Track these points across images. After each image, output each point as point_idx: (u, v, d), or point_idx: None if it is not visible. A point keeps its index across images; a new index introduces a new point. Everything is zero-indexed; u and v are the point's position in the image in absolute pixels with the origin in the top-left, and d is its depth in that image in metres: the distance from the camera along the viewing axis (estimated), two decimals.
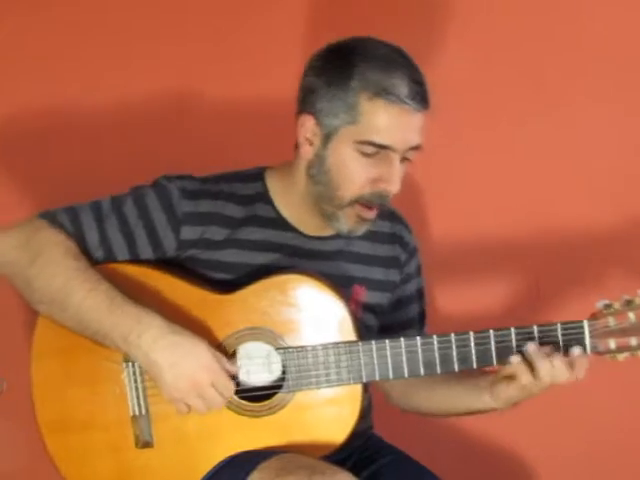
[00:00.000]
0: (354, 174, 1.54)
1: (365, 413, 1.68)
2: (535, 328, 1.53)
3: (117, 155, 1.99)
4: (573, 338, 1.52)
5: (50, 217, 1.56)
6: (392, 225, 1.74)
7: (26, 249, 1.52)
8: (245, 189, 1.63)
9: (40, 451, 1.55)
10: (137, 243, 1.57)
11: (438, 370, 1.54)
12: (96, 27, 1.97)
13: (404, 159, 1.56)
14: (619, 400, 2.07)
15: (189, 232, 1.58)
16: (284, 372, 1.55)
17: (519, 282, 2.05)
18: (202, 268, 1.60)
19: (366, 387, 1.68)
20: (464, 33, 2.01)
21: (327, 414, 1.56)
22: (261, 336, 1.55)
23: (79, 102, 1.97)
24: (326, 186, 1.56)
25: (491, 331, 1.53)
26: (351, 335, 1.56)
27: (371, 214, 1.58)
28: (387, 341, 1.54)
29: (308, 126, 1.56)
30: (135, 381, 1.54)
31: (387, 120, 1.50)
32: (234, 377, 1.52)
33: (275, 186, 1.64)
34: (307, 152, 1.57)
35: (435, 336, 1.54)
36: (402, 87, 1.50)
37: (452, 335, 1.54)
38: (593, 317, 1.53)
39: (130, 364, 1.54)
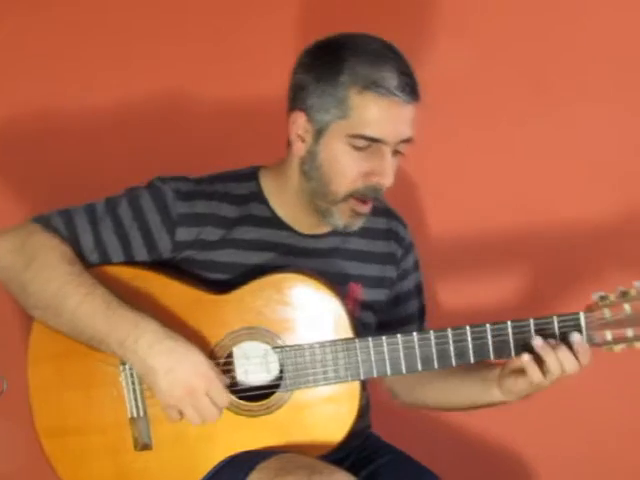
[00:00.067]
0: (346, 168, 1.54)
1: (363, 412, 1.68)
2: (531, 321, 1.53)
3: (114, 155, 1.99)
4: (569, 330, 1.52)
5: (44, 221, 1.56)
6: (387, 221, 1.74)
7: (20, 254, 1.52)
8: (239, 189, 1.63)
9: (40, 451, 1.55)
10: (132, 245, 1.57)
11: (436, 365, 1.54)
12: (94, 27, 1.98)
13: (396, 152, 1.56)
14: (619, 399, 2.07)
15: (184, 233, 1.58)
16: (282, 371, 1.55)
17: (517, 277, 2.05)
18: (198, 269, 1.59)
19: (364, 386, 1.68)
20: (461, 30, 2.01)
21: (325, 412, 1.56)
22: (258, 335, 1.55)
23: (76, 102, 1.97)
24: (319, 182, 1.57)
25: (488, 325, 1.53)
26: (348, 332, 1.56)
27: (365, 208, 1.59)
28: (384, 337, 1.54)
29: (299, 123, 1.56)
30: (132, 383, 1.54)
31: (378, 113, 1.51)
32: (232, 384, 1.53)
33: (269, 185, 1.65)
34: (299, 149, 1.58)
35: (432, 331, 1.54)
36: (391, 79, 1.50)
37: (449, 330, 1.54)
38: (589, 309, 1.53)
39: (127, 366, 1.53)
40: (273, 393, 1.55)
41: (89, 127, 1.98)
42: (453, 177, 2.04)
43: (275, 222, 1.63)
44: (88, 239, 1.55)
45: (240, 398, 1.54)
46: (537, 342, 1.50)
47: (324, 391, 1.55)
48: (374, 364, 1.54)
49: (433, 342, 1.53)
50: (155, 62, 1.98)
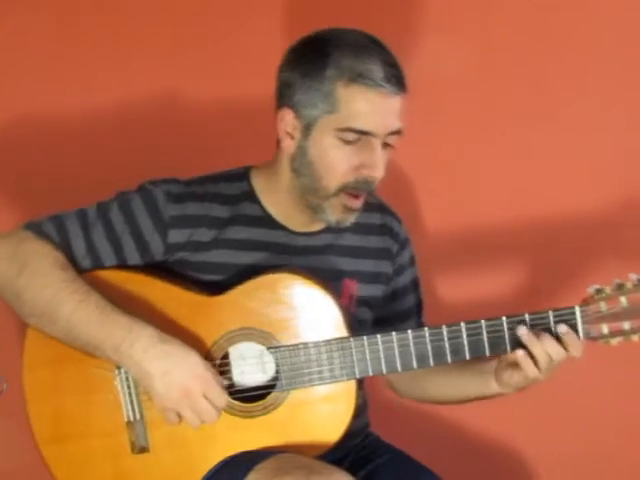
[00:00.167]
0: (337, 162, 1.53)
1: (360, 411, 1.68)
2: (527, 316, 1.52)
3: (111, 156, 1.99)
4: (566, 324, 1.51)
5: (36, 227, 1.56)
6: (382, 216, 1.73)
7: (13, 261, 1.52)
8: (231, 189, 1.63)
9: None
10: (124, 249, 1.57)
11: (431, 363, 1.53)
12: (92, 28, 1.98)
13: (386, 145, 1.55)
14: (618, 398, 2.06)
15: (176, 235, 1.57)
16: (277, 371, 1.55)
17: (515, 270, 2.04)
18: (191, 270, 1.59)
19: (361, 384, 1.67)
20: (457, 27, 2.01)
21: (322, 411, 1.55)
22: (253, 336, 1.55)
23: (75, 103, 1.97)
24: (310, 177, 1.56)
25: (482, 321, 1.52)
26: (343, 331, 1.55)
27: (357, 203, 1.58)
28: (379, 336, 1.54)
29: (288, 120, 1.56)
30: (128, 387, 1.54)
31: (365, 105, 1.50)
32: (229, 385, 1.53)
33: (260, 184, 1.64)
34: (289, 146, 1.57)
35: (427, 329, 1.54)
36: (377, 71, 1.50)
37: (444, 327, 1.53)
38: (584, 303, 1.52)
39: (122, 370, 1.53)
40: (269, 393, 1.55)
41: (87, 127, 1.98)
42: (449, 172, 2.03)
43: (267, 221, 1.63)
44: (80, 244, 1.55)
45: (237, 399, 1.54)
46: (522, 331, 1.50)
47: (320, 390, 1.55)
48: (369, 363, 1.54)
49: (428, 339, 1.53)
50: (152, 63, 1.98)
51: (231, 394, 1.54)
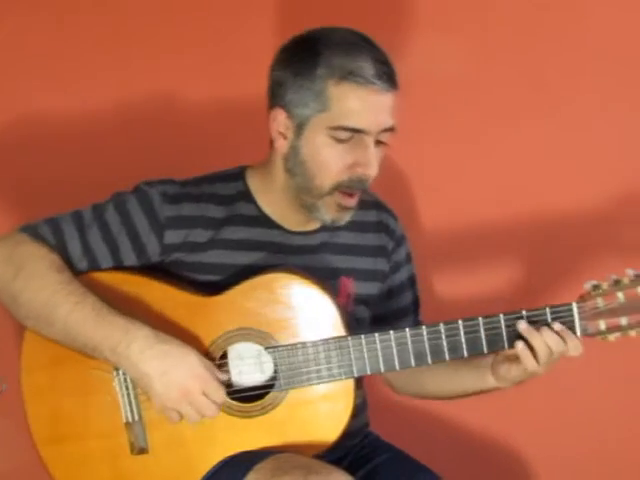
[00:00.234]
0: (330, 161, 1.53)
1: (359, 411, 1.68)
2: (524, 313, 1.52)
3: (106, 157, 1.98)
4: (563, 321, 1.51)
5: (31, 230, 1.55)
6: (378, 214, 1.73)
7: (9, 264, 1.52)
8: (226, 189, 1.63)
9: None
10: (120, 250, 1.56)
11: (429, 361, 1.53)
12: (90, 29, 1.97)
13: (379, 142, 1.55)
14: (619, 398, 2.07)
15: (172, 236, 1.57)
16: (276, 371, 1.55)
17: (513, 267, 2.04)
18: (187, 271, 1.59)
19: (359, 384, 1.68)
20: (454, 26, 2.01)
21: (320, 410, 1.55)
22: (250, 336, 1.55)
23: (73, 103, 1.97)
24: (304, 177, 1.56)
25: (480, 319, 1.53)
26: (340, 330, 1.55)
27: (351, 202, 1.58)
28: (376, 334, 1.54)
29: (280, 120, 1.56)
30: (127, 388, 1.54)
31: (356, 103, 1.50)
32: (227, 385, 1.52)
33: (256, 184, 1.64)
34: (282, 146, 1.57)
35: (424, 327, 1.54)
36: (367, 68, 1.49)
37: (441, 325, 1.53)
38: (581, 299, 1.52)
39: (120, 372, 1.53)
40: (268, 393, 1.55)
41: (83, 128, 1.98)
42: (446, 169, 2.03)
43: (263, 221, 1.62)
44: (76, 246, 1.55)
45: (235, 399, 1.54)
46: (522, 326, 1.50)
47: (318, 389, 1.55)
48: (367, 361, 1.54)
49: (426, 337, 1.53)
50: (148, 63, 1.98)
51: (229, 394, 1.54)
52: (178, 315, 1.54)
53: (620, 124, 2.01)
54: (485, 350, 1.53)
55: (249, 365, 1.56)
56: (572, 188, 2.01)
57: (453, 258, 2.04)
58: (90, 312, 1.48)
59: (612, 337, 1.52)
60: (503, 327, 1.52)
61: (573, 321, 1.51)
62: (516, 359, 1.52)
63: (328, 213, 1.57)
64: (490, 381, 1.59)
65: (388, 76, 1.51)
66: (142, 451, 1.55)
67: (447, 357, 1.53)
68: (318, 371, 1.54)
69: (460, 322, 1.53)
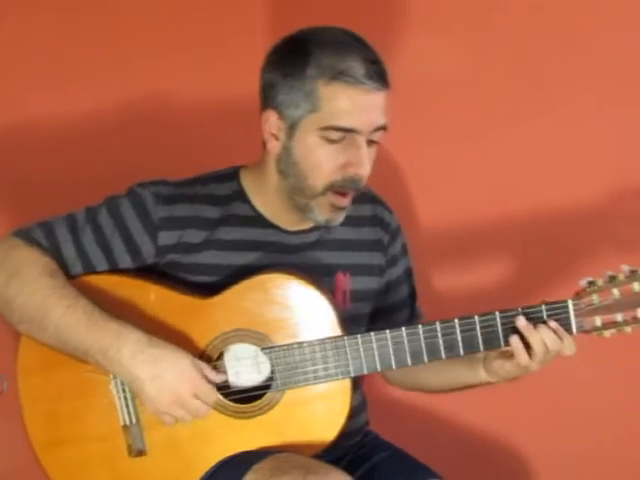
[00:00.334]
0: (322, 162, 1.53)
1: (358, 411, 1.68)
2: (520, 310, 1.52)
3: (102, 158, 1.98)
4: (558, 318, 1.51)
5: (25, 234, 1.55)
6: (372, 207, 1.72)
7: (2, 269, 1.51)
8: (220, 189, 1.62)
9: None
10: (114, 253, 1.56)
11: (425, 359, 1.53)
12: (87, 30, 1.97)
13: (371, 142, 1.54)
14: (619, 397, 2.07)
15: (166, 237, 1.57)
16: (272, 371, 1.54)
17: (508, 265, 2.04)
18: (183, 272, 1.59)
19: (358, 385, 1.68)
20: (450, 25, 2.01)
21: (317, 410, 1.56)
22: (247, 337, 1.55)
23: (72, 104, 1.97)
24: (296, 178, 1.55)
25: (476, 317, 1.53)
26: (336, 329, 1.55)
27: (345, 201, 1.57)
28: (372, 334, 1.54)
29: (272, 121, 1.55)
30: (123, 390, 1.54)
31: (347, 102, 1.49)
32: (223, 385, 1.52)
33: (250, 184, 1.63)
34: (274, 147, 1.56)
35: (420, 326, 1.54)
36: (358, 68, 1.49)
37: (437, 323, 1.53)
38: (577, 296, 1.52)
39: None
40: (265, 394, 1.55)
41: (81, 128, 1.97)
42: (444, 167, 2.03)
43: (259, 220, 1.62)
44: (70, 249, 1.55)
45: (232, 400, 1.54)
46: (520, 322, 1.50)
47: (315, 389, 1.55)
48: (364, 361, 1.54)
49: (422, 336, 1.53)
50: (143, 64, 1.97)
51: (226, 395, 1.54)
52: (174, 317, 1.54)
53: (614, 121, 2.01)
54: (481, 348, 1.53)
55: (246, 366, 1.56)
56: (568, 185, 2.01)
57: (451, 255, 2.04)
58: (82, 316, 1.47)
59: (608, 333, 1.52)
60: (499, 325, 1.52)
61: (569, 318, 1.51)
62: (510, 355, 1.52)
63: (322, 214, 1.57)
64: (482, 375, 1.60)
65: (379, 75, 1.50)
66: (140, 453, 1.55)
67: (443, 356, 1.53)
68: (315, 371, 1.54)
69: (456, 320, 1.53)
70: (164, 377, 1.46)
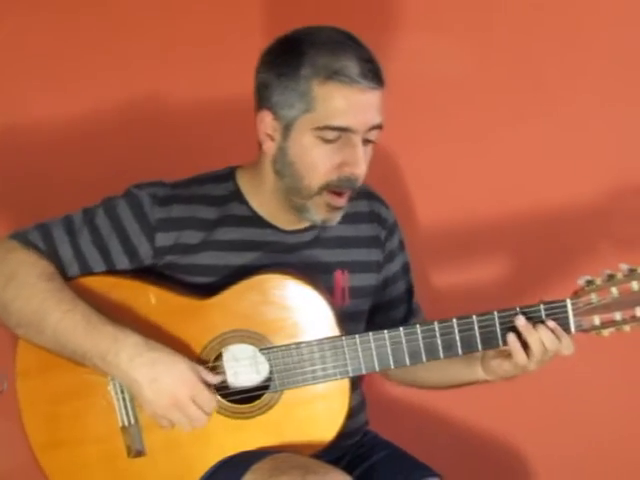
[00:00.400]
0: (317, 162, 1.52)
1: (357, 411, 1.68)
2: (518, 310, 1.52)
3: (101, 158, 1.98)
4: (557, 317, 1.51)
5: (21, 237, 1.55)
6: (369, 203, 1.72)
7: None
8: (217, 190, 1.62)
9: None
10: (112, 254, 1.56)
11: (424, 359, 1.53)
12: (85, 30, 1.97)
13: (367, 141, 1.54)
14: (618, 396, 2.07)
15: (164, 238, 1.56)
16: (271, 372, 1.54)
17: (506, 264, 2.04)
18: (181, 273, 1.58)
19: (357, 384, 1.68)
20: (447, 24, 2.01)
21: (316, 410, 1.55)
22: (244, 338, 1.54)
23: (71, 104, 1.97)
24: (292, 178, 1.55)
25: (474, 316, 1.52)
26: (334, 329, 1.55)
27: (341, 201, 1.56)
28: (370, 334, 1.53)
29: (267, 122, 1.54)
30: (122, 392, 1.54)
31: (342, 102, 1.49)
32: (221, 386, 1.52)
33: (247, 185, 1.63)
34: (269, 148, 1.56)
35: (418, 325, 1.53)
36: (352, 67, 1.48)
37: (435, 323, 1.53)
38: (575, 295, 1.52)
39: None
40: (264, 394, 1.55)
41: (78, 129, 1.97)
42: (442, 166, 2.02)
43: (256, 220, 1.62)
44: (67, 251, 1.55)
45: (231, 401, 1.54)
46: (520, 321, 1.50)
47: (314, 389, 1.55)
48: (362, 361, 1.53)
49: (420, 336, 1.53)
50: (141, 65, 1.98)
51: (225, 396, 1.54)
52: (172, 318, 1.54)
53: (614, 121, 2.00)
54: (480, 348, 1.53)
55: (244, 366, 1.56)
56: (566, 184, 2.01)
57: (450, 254, 2.04)
58: (80, 320, 1.47)
59: (606, 332, 1.52)
60: (497, 325, 1.52)
61: (567, 317, 1.51)
62: (508, 355, 1.52)
63: (318, 214, 1.57)
64: (479, 373, 1.60)
65: (373, 74, 1.50)
66: (139, 454, 1.55)
67: (442, 355, 1.53)
68: (313, 371, 1.54)
69: (454, 320, 1.52)
70: (162, 380, 1.46)
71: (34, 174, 1.96)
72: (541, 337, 1.49)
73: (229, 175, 1.64)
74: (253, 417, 1.54)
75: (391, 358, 1.53)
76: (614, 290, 1.50)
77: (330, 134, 1.50)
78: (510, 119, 2.01)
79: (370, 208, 1.72)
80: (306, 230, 1.64)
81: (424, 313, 1.79)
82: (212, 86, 1.97)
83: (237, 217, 1.61)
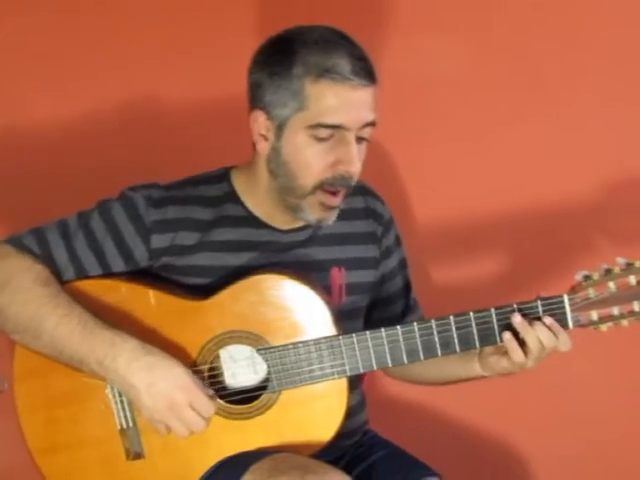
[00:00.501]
0: (311, 161, 1.52)
1: (356, 411, 1.68)
2: (515, 306, 1.51)
3: (99, 158, 1.97)
4: (554, 313, 1.51)
5: (16, 241, 1.54)
6: (364, 199, 1.72)
7: None
8: (212, 190, 1.61)
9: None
10: (107, 257, 1.56)
11: (422, 357, 1.53)
12: (86, 30, 1.97)
13: (360, 139, 1.53)
14: (618, 396, 2.07)
15: (159, 240, 1.56)
16: (269, 372, 1.54)
17: (504, 259, 2.04)
18: (177, 275, 1.58)
19: (355, 384, 1.68)
20: (445, 24, 2.01)
21: (315, 410, 1.55)
22: (242, 339, 1.54)
23: (70, 104, 1.97)
24: (286, 177, 1.54)
25: (471, 313, 1.52)
26: (331, 328, 1.54)
27: (335, 200, 1.56)
28: (368, 332, 1.53)
29: (260, 122, 1.54)
30: (119, 394, 1.54)
31: (334, 99, 1.48)
32: (220, 387, 1.52)
33: (241, 185, 1.62)
34: (263, 148, 1.56)
35: (416, 323, 1.53)
36: (344, 65, 1.48)
37: (432, 321, 1.52)
38: (572, 290, 1.51)
39: None
40: (262, 394, 1.54)
41: (75, 129, 1.97)
42: (441, 164, 2.02)
43: (252, 221, 1.61)
44: (62, 255, 1.54)
45: (229, 402, 1.54)
46: (516, 319, 1.50)
47: (312, 389, 1.54)
48: (359, 359, 1.53)
49: (417, 334, 1.52)
50: (138, 65, 1.98)
51: (223, 397, 1.54)
52: (168, 320, 1.54)
53: (612, 121, 2.01)
54: (477, 345, 1.53)
55: (242, 367, 1.56)
56: (563, 180, 2.00)
57: (447, 250, 2.04)
58: (76, 325, 1.47)
59: (604, 327, 1.51)
60: (495, 321, 1.51)
61: (565, 313, 1.50)
62: (506, 352, 1.52)
63: (312, 213, 1.56)
64: (477, 370, 1.60)
65: (365, 71, 1.49)
66: (138, 456, 1.55)
67: (439, 353, 1.53)
68: (311, 371, 1.53)
69: (451, 317, 1.52)
70: (159, 385, 1.45)
71: (34, 174, 1.96)
72: (538, 334, 1.49)
73: (224, 176, 1.64)
74: (252, 417, 1.54)
75: (389, 356, 1.53)
76: (611, 285, 1.49)
77: (323, 132, 1.50)
78: (507, 117, 2.01)
79: (365, 204, 1.71)
80: (301, 229, 1.64)
81: (422, 308, 1.79)
82: (211, 86, 1.97)
83: (232, 218, 1.60)
